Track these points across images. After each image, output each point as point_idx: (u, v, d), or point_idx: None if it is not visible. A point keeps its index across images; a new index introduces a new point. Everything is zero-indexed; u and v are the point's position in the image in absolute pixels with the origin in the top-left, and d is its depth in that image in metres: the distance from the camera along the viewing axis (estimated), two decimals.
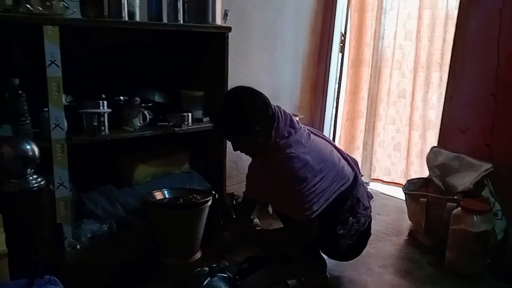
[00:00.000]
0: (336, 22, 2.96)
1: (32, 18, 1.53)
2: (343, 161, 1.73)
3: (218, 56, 2.08)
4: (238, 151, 1.70)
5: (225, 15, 2.16)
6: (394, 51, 2.72)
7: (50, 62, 1.58)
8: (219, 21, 2.08)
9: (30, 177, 1.46)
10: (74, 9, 1.67)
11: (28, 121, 1.63)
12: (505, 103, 2.10)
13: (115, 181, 2.03)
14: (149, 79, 2.12)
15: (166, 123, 2.01)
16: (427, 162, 2.38)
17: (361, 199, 1.71)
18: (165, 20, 1.93)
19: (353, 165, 1.78)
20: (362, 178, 1.83)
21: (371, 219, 1.79)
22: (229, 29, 2.05)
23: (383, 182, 2.95)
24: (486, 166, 2.09)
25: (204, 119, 2.15)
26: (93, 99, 1.81)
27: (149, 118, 1.96)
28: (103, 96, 1.84)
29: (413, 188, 2.34)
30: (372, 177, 2.98)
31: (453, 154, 2.26)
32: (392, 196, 2.83)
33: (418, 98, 2.66)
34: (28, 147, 1.44)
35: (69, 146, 1.68)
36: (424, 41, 2.58)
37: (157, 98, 2.09)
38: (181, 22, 1.93)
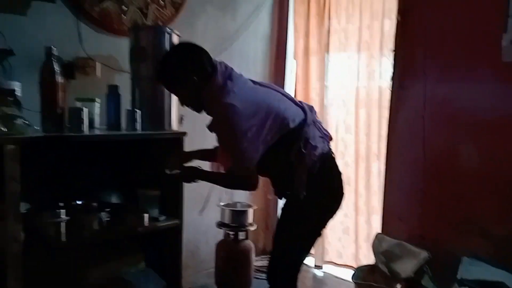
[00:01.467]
0: None
1: None
2: (288, 104, 1.76)
3: None
4: None
5: (180, 119, 2.32)
6: (337, 143, 2.97)
7: (9, 179, 1.63)
8: (175, 126, 2.23)
9: None
10: (36, 127, 1.77)
11: None
12: (431, 195, 2.35)
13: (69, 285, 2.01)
14: (107, 180, 2.19)
15: (123, 225, 2.06)
16: (372, 249, 2.54)
17: (310, 140, 1.72)
18: (123, 128, 2.06)
19: (305, 108, 1.80)
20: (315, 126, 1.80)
21: (323, 157, 1.75)
22: (185, 133, 2.19)
23: (336, 264, 3.08)
24: (424, 254, 2.28)
25: (160, 218, 2.21)
26: (51, 206, 1.85)
27: (106, 221, 2.01)
28: (61, 204, 1.88)
29: (362, 275, 2.47)
30: (325, 259, 3.10)
31: (395, 241, 2.45)
32: (344, 280, 2.94)
33: (361, 185, 2.89)
34: None
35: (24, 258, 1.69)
36: (362, 136, 2.86)
37: (114, 199, 2.16)
38: (139, 130, 2.05)
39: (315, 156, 1.73)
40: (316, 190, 1.74)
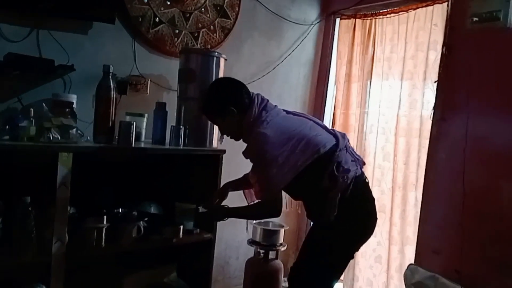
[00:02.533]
0: None
1: (51, 147, 1.75)
2: (320, 131, 1.83)
3: (212, 173, 2.28)
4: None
5: (221, 138, 2.41)
6: (373, 171, 2.96)
7: (60, 184, 1.77)
8: (215, 144, 2.33)
9: None
10: (88, 137, 1.91)
11: (33, 235, 1.78)
12: (471, 230, 2.29)
13: None
14: (148, 191, 2.31)
15: (159, 235, 2.16)
16: (404, 279, 2.51)
17: (342, 163, 1.77)
18: (167, 143, 2.18)
19: (337, 134, 1.87)
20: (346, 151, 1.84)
21: (356, 181, 1.78)
22: (224, 151, 2.28)
23: None
24: None
25: (195, 231, 2.30)
26: (95, 212, 1.98)
27: (144, 230, 2.11)
28: (104, 211, 2.01)
29: None
30: (354, 286, 3.06)
31: (429, 273, 2.40)
32: None
33: (396, 214, 2.85)
34: None
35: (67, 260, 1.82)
36: (400, 164, 2.83)
37: (153, 210, 2.27)
38: (182, 146, 2.17)
39: (348, 178, 1.76)
40: (348, 213, 1.76)
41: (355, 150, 1.96)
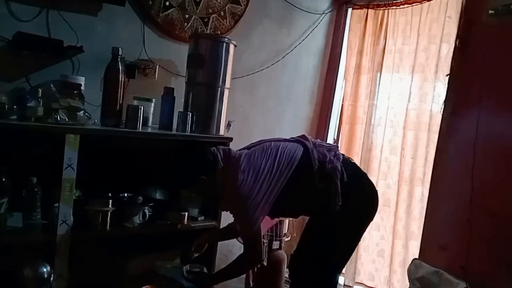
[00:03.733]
0: (329, 131, 3.24)
1: (58, 128, 1.74)
2: (283, 145, 1.84)
3: None
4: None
5: (228, 125, 2.40)
6: (380, 164, 2.94)
7: (67, 165, 1.76)
8: (222, 131, 2.31)
9: None
10: (96, 120, 1.90)
11: (39, 216, 1.79)
12: (479, 227, 2.27)
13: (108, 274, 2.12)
14: (154, 177, 2.30)
15: (164, 221, 2.16)
16: (408, 274, 2.49)
17: (322, 158, 1.80)
18: (174, 130, 2.16)
19: (299, 139, 1.90)
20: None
21: (344, 163, 1.82)
22: (231, 139, 2.27)
23: (366, 286, 3.02)
24: (462, 285, 2.20)
25: (199, 218, 2.29)
26: (100, 195, 1.98)
27: (149, 215, 2.11)
28: (109, 194, 2.00)
29: None
30: (356, 280, 3.05)
31: (433, 268, 2.38)
32: None
33: (402, 209, 2.83)
34: (45, 269, 1.70)
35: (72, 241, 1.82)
36: (407, 158, 2.81)
37: (158, 196, 2.26)
38: (188, 132, 2.15)
39: (336, 164, 1.79)
40: (349, 197, 1.77)
41: (338, 143, 1.98)
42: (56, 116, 1.75)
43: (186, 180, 1.88)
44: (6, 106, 1.73)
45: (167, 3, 2.36)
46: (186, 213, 2.22)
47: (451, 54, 2.52)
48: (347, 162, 1.87)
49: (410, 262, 2.55)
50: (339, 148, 1.96)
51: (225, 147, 1.92)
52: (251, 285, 2.69)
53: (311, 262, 1.86)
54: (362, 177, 1.92)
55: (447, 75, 2.54)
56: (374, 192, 1.91)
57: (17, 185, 1.75)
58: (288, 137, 1.96)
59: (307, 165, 1.79)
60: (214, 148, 1.87)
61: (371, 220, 1.91)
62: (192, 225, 2.23)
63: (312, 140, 1.91)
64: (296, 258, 1.95)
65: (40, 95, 1.79)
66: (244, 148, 1.93)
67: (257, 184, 1.73)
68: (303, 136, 1.93)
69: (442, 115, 2.54)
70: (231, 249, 2.97)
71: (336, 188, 1.75)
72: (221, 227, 2.30)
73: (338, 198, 1.74)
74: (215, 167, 1.81)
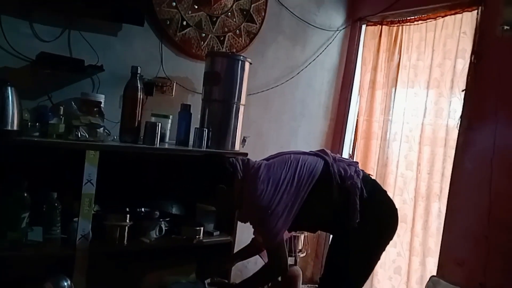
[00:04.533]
0: (344, 146, 3.24)
1: (79, 144, 1.79)
2: (303, 158, 1.83)
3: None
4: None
5: (243, 141, 2.43)
6: (396, 179, 2.92)
7: (87, 181, 1.81)
8: (238, 146, 2.34)
9: None
10: (115, 136, 1.95)
11: (58, 230, 1.83)
12: (497, 244, 2.23)
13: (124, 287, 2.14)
14: (170, 191, 2.33)
15: (180, 236, 2.18)
16: None
17: (342, 173, 1.80)
18: (191, 145, 2.20)
19: (319, 153, 1.89)
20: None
21: (364, 180, 1.81)
22: (246, 154, 2.29)
23: None
24: None
25: (215, 233, 2.31)
26: (117, 210, 2.01)
27: (165, 230, 2.14)
28: (127, 209, 2.04)
29: None
30: None
31: (451, 286, 2.34)
32: None
33: (419, 225, 2.80)
34: (65, 283, 1.73)
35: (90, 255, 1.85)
36: (424, 173, 2.78)
37: (175, 210, 2.29)
38: (205, 148, 2.19)
39: (356, 180, 1.78)
40: (369, 213, 1.76)
41: (353, 159, 1.97)
42: (77, 133, 1.80)
43: (204, 190, 1.89)
44: (29, 123, 1.79)
45: (184, 23, 2.43)
46: (202, 228, 2.23)
47: (466, 70, 2.52)
48: (367, 179, 1.86)
49: (427, 279, 2.51)
50: (359, 165, 1.94)
51: (243, 157, 1.93)
52: None
53: (327, 279, 1.86)
54: (382, 194, 1.90)
55: (462, 90, 2.53)
56: (394, 210, 1.89)
57: (38, 200, 1.79)
58: (307, 151, 1.96)
59: (327, 180, 1.78)
60: (233, 158, 1.88)
61: (390, 238, 1.89)
62: (208, 240, 2.25)
63: (332, 154, 1.91)
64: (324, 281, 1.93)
65: (61, 113, 1.85)
66: (262, 160, 1.94)
67: (277, 194, 1.72)
68: (322, 151, 1.93)
69: (459, 130, 2.53)
70: (246, 264, 2.97)
71: (355, 205, 1.73)
72: (235, 242, 2.31)
73: (357, 215, 1.73)
74: (233, 177, 1.81)
